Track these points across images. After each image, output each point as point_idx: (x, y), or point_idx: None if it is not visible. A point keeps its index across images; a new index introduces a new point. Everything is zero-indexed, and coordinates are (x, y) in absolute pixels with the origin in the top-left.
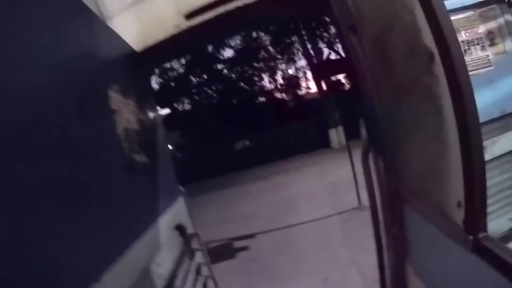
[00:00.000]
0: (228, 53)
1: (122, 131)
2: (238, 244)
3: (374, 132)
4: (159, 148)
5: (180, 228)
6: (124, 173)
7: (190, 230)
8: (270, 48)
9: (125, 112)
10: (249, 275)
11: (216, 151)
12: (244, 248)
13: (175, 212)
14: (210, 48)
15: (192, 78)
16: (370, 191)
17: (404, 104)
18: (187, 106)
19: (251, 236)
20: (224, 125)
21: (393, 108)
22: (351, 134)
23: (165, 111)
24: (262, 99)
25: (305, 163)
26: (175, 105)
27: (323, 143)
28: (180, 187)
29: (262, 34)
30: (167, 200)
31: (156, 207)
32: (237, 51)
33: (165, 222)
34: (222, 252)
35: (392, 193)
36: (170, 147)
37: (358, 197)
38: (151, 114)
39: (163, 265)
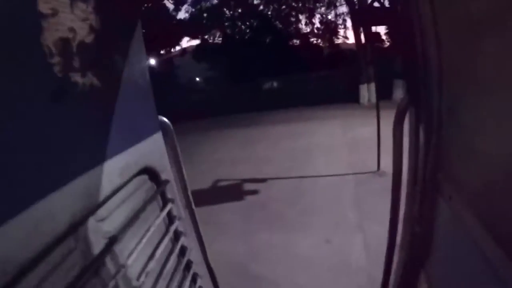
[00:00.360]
0: None
1: (54, 42)
2: (248, 186)
3: (421, 88)
4: (129, 72)
5: (148, 172)
6: (46, 97)
7: (167, 175)
8: None
9: (64, 18)
10: (253, 219)
11: (243, 88)
12: (254, 192)
13: (145, 153)
14: None
15: (226, 11)
16: (397, 166)
17: (478, 51)
18: (219, 40)
19: (263, 180)
20: (253, 62)
21: (457, 56)
22: (382, 94)
23: (195, 42)
24: (296, 41)
25: (330, 115)
26: (206, 37)
27: (352, 98)
28: (165, 120)
29: None
30: (130, 136)
31: (104, 144)
32: None
33: (122, 164)
34: (230, 192)
35: (428, 179)
36: (197, 79)
37: (378, 161)
38: (125, 29)
39: (110, 219)
